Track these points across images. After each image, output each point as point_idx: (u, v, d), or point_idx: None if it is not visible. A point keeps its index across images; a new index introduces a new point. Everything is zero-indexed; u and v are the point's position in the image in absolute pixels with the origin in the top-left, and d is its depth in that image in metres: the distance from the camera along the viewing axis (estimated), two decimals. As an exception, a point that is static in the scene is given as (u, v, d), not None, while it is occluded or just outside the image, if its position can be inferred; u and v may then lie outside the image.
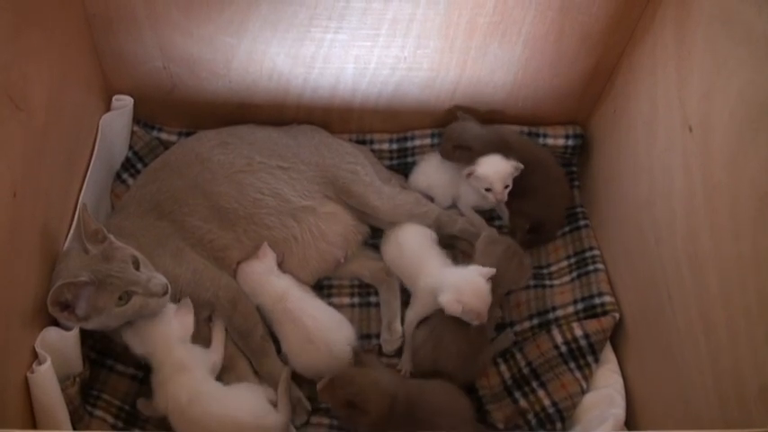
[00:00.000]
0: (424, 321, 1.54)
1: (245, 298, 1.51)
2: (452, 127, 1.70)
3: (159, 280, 1.33)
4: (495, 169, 1.62)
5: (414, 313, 1.56)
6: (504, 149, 1.65)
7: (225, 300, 1.48)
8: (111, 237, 1.35)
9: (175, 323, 1.39)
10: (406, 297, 1.62)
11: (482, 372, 1.51)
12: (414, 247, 1.61)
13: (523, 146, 1.71)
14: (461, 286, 1.44)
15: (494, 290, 1.46)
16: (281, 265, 1.57)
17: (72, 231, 1.42)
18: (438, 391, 1.40)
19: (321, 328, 1.47)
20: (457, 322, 1.45)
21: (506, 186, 1.63)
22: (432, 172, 1.74)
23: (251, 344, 1.49)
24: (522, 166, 1.63)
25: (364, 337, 1.60)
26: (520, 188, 1.65)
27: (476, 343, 1.47)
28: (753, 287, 1.07)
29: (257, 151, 1.61)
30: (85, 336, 1.36)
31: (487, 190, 1.63)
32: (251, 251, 1.55)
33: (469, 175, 1.63)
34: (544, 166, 1.70)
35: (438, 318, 1.50)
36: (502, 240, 1.57)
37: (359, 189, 1.64)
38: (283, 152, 1.63)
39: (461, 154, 1.65)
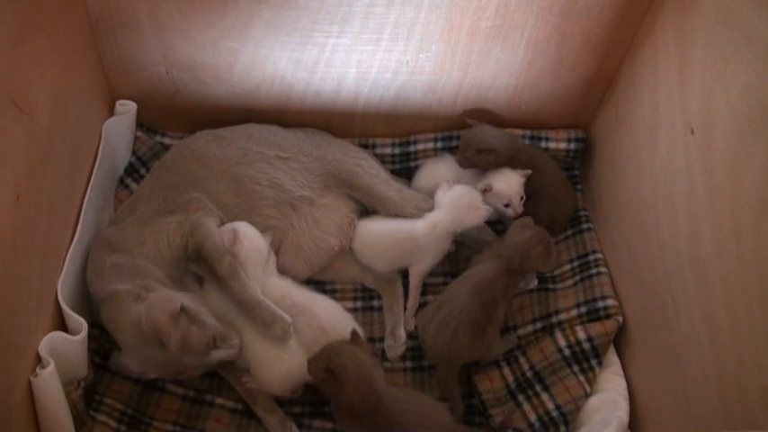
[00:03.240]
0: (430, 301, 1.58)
1: (206, 226, 1.47)
2: (472, 132, 1.68)
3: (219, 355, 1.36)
4: (510, 183, 1.63)
5: (426, 268, 1.63)
6: (517, 152, 1.67)
7: (190, 234, 1.46)
8: (186, 301, 1.33)
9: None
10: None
11: (491, 353, 1.52)
12: (385, 228, 1.63)
13: (529, 150, 1.73)
14: (470, 201, 1.57)
15: (515, 269, 1.52)
16: (276, 253, 1.58)
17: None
18: (421, 403, 1.40)
19: (331, 317, 1.48)
20: (465, 298, 1.47)
21: (522, 198, 1.64)
22: (435, 176, 1.73)
23: (220, 269, 1.45)
24: (529, 171, 1.64)
25: (367, 341, 1.60)
26: (528, 192, 1.66)
27: (485, 317, 1.48)
28: (755, 288, 1.07)
29: (254, 142, 1.62)
30: (89, 339, 1.37)
31: (506, 206, 1.63)
32: None
33: (485, 191, 1.63)
34: (550, 169, 1.72)
35: (446, 294, 1.52)
36: (533, 227, 1.57)
37: (364, 180, 1.64)
38: (282, 143, 1.64)
39: (487, 157, 1.64)
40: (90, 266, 1.44)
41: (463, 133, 1.71)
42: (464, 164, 1.67)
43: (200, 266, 1.48)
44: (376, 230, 1.64)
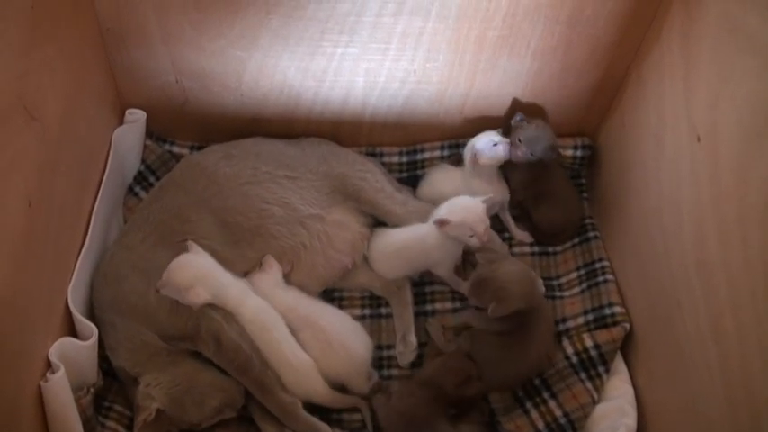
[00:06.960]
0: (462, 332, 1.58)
1: (227, 332, 1.42)
2: (544, 128, 1.64)
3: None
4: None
5: (447, 268, 1.63)
6: None
7: (208, 334, 1.41)
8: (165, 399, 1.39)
9: None
10: (416, 308, 1.65)
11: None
12: (397, 237, 1.63)
13: None
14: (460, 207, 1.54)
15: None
16: (289, 274, 1.57)
17: None
18: None
19: (338, 331, 1.48)
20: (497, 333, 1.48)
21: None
22: (440, 184, 1.74)
23: (250, 379, 1.42)
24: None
25: (375, 348, 1.60)
26: (540, 195, 1.67)
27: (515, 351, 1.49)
28: (761, 293, 1.07)
29: (263, 162, 1.62)
30: (99, 346, 1.38)
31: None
32: (255, 264, 1.55)
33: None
34: (560, 176, 1.73)
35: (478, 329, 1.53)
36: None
37: (370, 195, 1.65)
38: (290, 162, 1.64)
39: (552, 153, 1.63)
40: (93, 294, 1.48)
41: (533, 129, 1.64)
42: (521, 157, 1.62)
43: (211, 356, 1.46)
44: (389, 240, 1.64)
